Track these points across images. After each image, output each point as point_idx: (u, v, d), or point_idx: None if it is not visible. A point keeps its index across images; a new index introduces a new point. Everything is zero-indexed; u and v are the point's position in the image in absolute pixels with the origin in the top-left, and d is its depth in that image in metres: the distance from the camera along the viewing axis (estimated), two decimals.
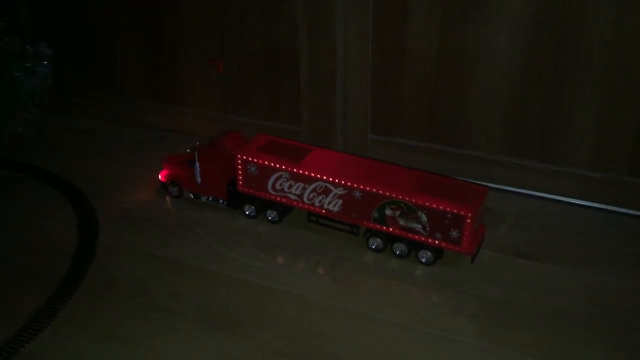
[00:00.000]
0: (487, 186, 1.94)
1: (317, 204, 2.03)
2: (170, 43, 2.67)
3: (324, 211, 2.03)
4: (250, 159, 2.06)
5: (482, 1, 2.04)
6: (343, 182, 1.95)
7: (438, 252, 1.92)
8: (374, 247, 1.98)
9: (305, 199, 2.04)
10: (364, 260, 1.97)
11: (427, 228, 1.88)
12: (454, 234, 1.84)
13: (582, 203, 2.20)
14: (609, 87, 2.00)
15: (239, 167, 2.10)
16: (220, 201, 2.21)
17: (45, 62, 2.81)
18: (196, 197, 2.26)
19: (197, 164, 2.17)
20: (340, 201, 1.98)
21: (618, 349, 1.62)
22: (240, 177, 2.11)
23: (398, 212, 1.90)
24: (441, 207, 1.83)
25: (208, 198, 2.23)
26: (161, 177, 2.28)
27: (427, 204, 1.84)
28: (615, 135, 2.06)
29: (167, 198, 2.29)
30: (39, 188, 2.40)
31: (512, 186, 2.25)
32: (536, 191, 2.22)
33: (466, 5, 2.06)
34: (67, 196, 2.32)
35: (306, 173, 1.99)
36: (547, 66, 2.05)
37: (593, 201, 2.17)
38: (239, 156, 2.08)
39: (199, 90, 2.69)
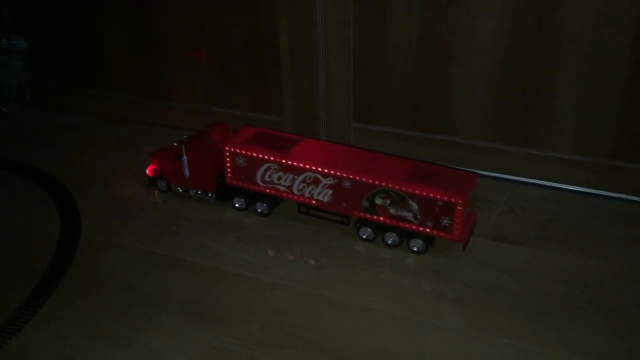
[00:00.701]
0: (476, 173, 1.95)
1: (306, 194, 2.02)
2: (155, 37, 2.63)
3: (314, 202, 2.02)
4: (238, 150, 2.05)
5: None
6: (332, 172, 1.94)
7: (429, 241, 1.92)
8: (364, 237, 1.98)
9: (294, 190, 2.03)
10: (354, 250, 1.96)
11: (418, 216, 1.87)
12: (445, 221, 1.84)
13: (566, 187, 2.22)
14: (591, 71, 2.01)
15: (227, 159, 2.08)
16: (209, 194, 2.19)
17: (21, 56, 2.76)
18: (184, 191, 2.23)
19: (185, 157, 2.14)
20: (330, 191, 1.97)
21: (602, 330, 1.64)
22: (229, 170, 2.09)
23: (388, 201, 1.89)
24: (431, 195, 1.83)
25: (196, 191, 2.21)
26: (149, 171, 2.26)
27: (417, 191, 1.84)
28: (597, 118, 2.07)
29: (155, 192, 2.26)
30: (21, 183, 2.37)
31: (496, 172, 2.27)
32: (520, 176, 2.24)
33: None
34: (49, 191, 2.29)
35: (295, 164, 1.98)
36: (529, 51, 2.05)
37: (576, 185, 2.18)
38: (227, 148, 2.06)
39: (183, 84, 2.67)
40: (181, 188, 2.23)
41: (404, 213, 1.89)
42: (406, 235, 1.93)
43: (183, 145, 2.14)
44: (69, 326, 1.68)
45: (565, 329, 1.64)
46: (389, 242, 1.95)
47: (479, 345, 1.59)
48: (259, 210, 2.12)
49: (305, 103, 2.42)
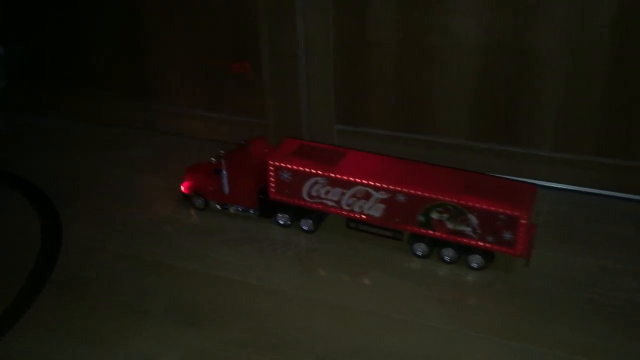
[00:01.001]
0: (535, 184, 1.86)
1: (356, 209, 1.93)
2: (141, 41, 2.58)
3: (364, 217, 1.93)
4: (283, 164, 1.96)
5: None
6: (385, 185, 1.85)
7: (489, 256, 1.83)
8: (419, 253, 1.89)
9: (343, 205, 1.94)
10: (337, 250, 1.94)
11: (478, 231, 1.79)
12: (508, 236, 1.75)
13: (549, 185, 2.19)
14: (571, 67, 2.00)
15: (271, 174, 1.99)
16: (251, 211, 2.09)
17: None
18: (223, 208, 2.14)
19: (225, 172, 2.05)
20: (382, 206, 1.88)
21: (587, 325, 1.64)
22: (273, 185, 2.00)
23: (446, 215, 1.81)
24: (493, 208, 1.74)
25: (237, 208, 2.11)
26: (184, 188, 2.16)
27: (478, 205, 1.75)
28: (580, 115, 2.06)
29: (192, 211, 2.17)
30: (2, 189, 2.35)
31: (479, 171, 2.22)
32: (503, 174, 2.20)
33: None
34: (29, 196, 2.26)
35: (345, 177, 1.89)
36: (508, 49, 2.04)
37: (559, 182, 2.17)
38: (271, 162, 1.97)
39: (168, 88, 2.64)
40: (220, 205, 2.14)
41: (463, 227, 1.80)
42: (464, 251, 1.84)
43: (223, 160, 2.04)
44: (54, 331, 1.67)
45: (550, 324, 1.65)
46: (446, 258, 1.86)
47: (470, 345, 1.60)
48: (304, 228, 2.03)
49: (288, 106, 2.41)
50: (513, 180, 1.91)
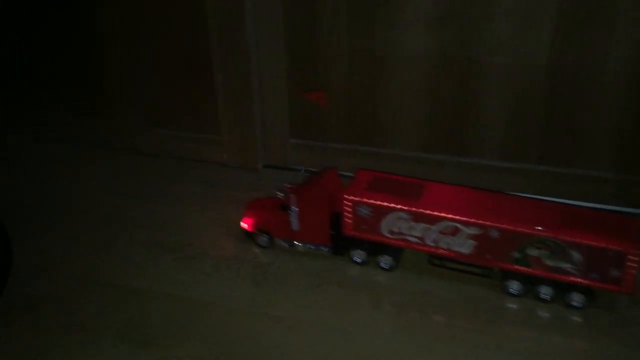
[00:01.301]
0: (637, 215, 1.75)
1: (443, 245, 1.80)
2: (96, 58, 2.51)
3: (451, 253, 1.80)
4: (362, 199, 1.83)
5: (387, 2, 2.05)
6: (478, 220, 1.73)
7: (591, 293, 1.71)
8: (512, 291, 1.77)
9: (428, 241, 1.81)
10: (288, 266, 1.94)
11: (581, 267, 1.67)
12: (615, 272, 1.64)
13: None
14: (516, 79, 2.03)
15: (348, 209, 1.86)
16: (323, 248, 1.96)
17: None
18: (291, 245, 2.00)
19: (294, 208, 1.92)
20: (473, 242, 1.76)
21: (528, 327, 1.68)
22: (349, 220, 1.87)
23: (545, 252, 1.69)
24: (600, 244, 1.63)
25: (306, 245, 1.98)
26: (247, 225, 2.02)
27: (583, 241, 1.64)
28: (524, 124, 2.10)
29: (255, 249, 2.03)
30: None
31: (431, 180, 2.25)
32: (453, 183, 2.23)
33: (372, 6, 2.06)
34: None
35: (431, 212, 1.77)
36: (457, 61, 2.06)
37: (506, 190, 2.11)
38: (348, 197, 1.84)
39: (123, 105, 2.57)
40: (287, 242, 2.00)
41: (563, 264, 1.69)
42: (563, 288, 1.72)
43: (293, 196, 1.91)
44: (3, 353, 1.67)
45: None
46: (543, 296, 1.74)
47: (415, 352, 1.62)
48: (383, 265, 1.90)
49: (242, 121, 2.38)
50: (611, 212, 1.80)
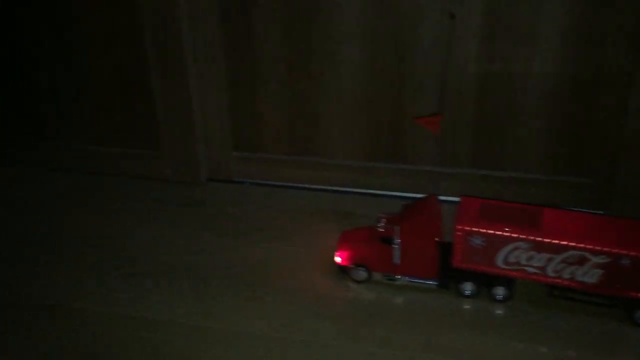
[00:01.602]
0: None
1: (566, 276, 1.70)
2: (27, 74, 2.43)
3: (574, 284, 1.70)
4: (478, 229, 1.72)
5: (319, 14, 2.08)
6: (608, 249, 1.63)
7: None
8: None
9: (549, 272, 1.71)
10: (230, 276, 1.92)
11: None
12: None
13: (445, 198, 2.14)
14: (442, 87, 2.06)
15: (459, 240, 1.74)
16: (428, 282, 1.84)
17: None
18: (390, 280, 1.88)
19: (397, 240, 1.80)
20: (600, 271, 1.66)
21: (466, 330, 1.72)
22: (460, 252, 1.76)
23: None
24: None
25: (408, 279, 1.86)
26: (342, 259, 1.89)
27: None
28: (456, 130, 2.14)
29: (350, 284, 1.90)
30: None
31: (371, 189, 2.33)
32: (393, 191, 2.30)
33: (305, 19, 2.10)
34: None
35: (556, 242, 1.67)
36: (390, 73, 2.12)
37: (445, 195, 2.13)
38: (460, 227, 1.73)
39: (64, 123, 2.48)
40: (388, 276, 1.88)
41: None
42: None
43: (395, 227, 1.79)
44: None
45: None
46: None
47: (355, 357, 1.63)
48: (498, 298, 1.79)
49: (183, 136, 2.34)
50: None
